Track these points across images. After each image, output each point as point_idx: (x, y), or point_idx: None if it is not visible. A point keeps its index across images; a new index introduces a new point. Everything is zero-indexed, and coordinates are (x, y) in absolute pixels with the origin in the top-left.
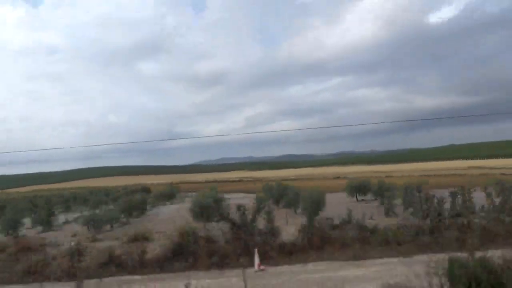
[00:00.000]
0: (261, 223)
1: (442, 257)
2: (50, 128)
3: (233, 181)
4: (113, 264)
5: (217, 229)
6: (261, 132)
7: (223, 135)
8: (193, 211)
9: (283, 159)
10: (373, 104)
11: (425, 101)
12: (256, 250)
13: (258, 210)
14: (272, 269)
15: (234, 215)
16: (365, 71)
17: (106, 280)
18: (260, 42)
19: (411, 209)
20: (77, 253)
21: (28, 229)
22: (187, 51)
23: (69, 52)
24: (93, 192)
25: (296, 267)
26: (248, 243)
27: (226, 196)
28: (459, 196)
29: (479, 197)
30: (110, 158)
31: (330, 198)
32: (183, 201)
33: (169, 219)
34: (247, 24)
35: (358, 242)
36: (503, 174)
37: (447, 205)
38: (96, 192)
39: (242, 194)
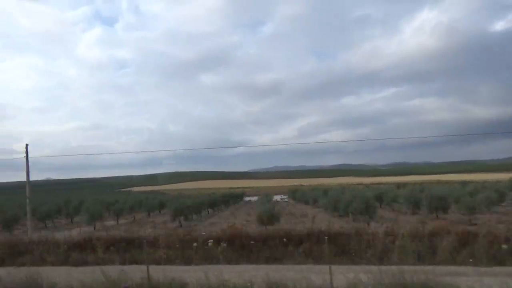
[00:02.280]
0: None
1: None
2: (117, 135)
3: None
4: None
5: None
6: (315, 142)
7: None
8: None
9: (335, 168)
10: (428, 114)
11: (483, 112)
12: None
13: None
14: None
15: None
16: (421, 81)
17: None
18: (316, 53)
19: None
20: None
21: None
22: (245, 64)
23: (136, 66)
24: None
25: None
26: None
27: None
28: None
29: None
30: (169, 165)
31: None
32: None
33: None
34: (304, 37)
35: None
36: None
37: None
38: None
39: None
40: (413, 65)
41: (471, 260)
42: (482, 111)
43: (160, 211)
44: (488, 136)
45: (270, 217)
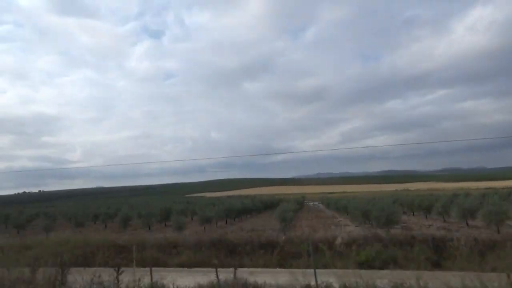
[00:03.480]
0: None
1: None
2: (164, 143)
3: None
4: None
5: None
6: (356, 148)
7: (321, 150)
8: None
9: (381, 175)
10: (481, 116)
11: None
12: None
13: None
14: None
15: None
16: (474, 82)
17: None
18: (361, 57)
19: None
20: None
21: None
22: (288, 70)
23: (182, 76)
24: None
25: None
26: None
27: None
28: None
29: None
30: (213, 172)
31: None
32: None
33: None
34: (349, 41)
35: None
36: None
37: None
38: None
39: None
40: (464, 65)
41: None
42: None
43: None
44: None
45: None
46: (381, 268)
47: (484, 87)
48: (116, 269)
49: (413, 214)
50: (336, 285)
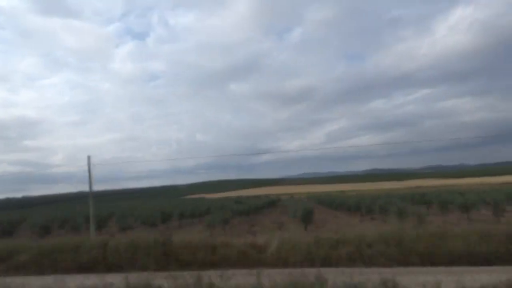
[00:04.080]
0: None
1: None
2: (148, 146)
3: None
4: None
5: None
6: (342, 147)
7: (304, 150)
8: None
9: (366, 174)
10: (464, 115)
11: None
12: None
13: None
14: None
15: None
16: (457, 81)
17: None
18: (346, 57)
19: None
20: None
21: None
22: (275, 71)
23: (168, 78)
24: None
25: None
26: None
27: None
28: None
29: None
30: (199, 173)
31: None
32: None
33: None
34: (334, 41)
35: None
36: None
37: None
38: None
39: None
40: (447, 65)
41: None
42: None
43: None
44: None
45: None
46: None
47: (466, 86)
48: None
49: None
50: None
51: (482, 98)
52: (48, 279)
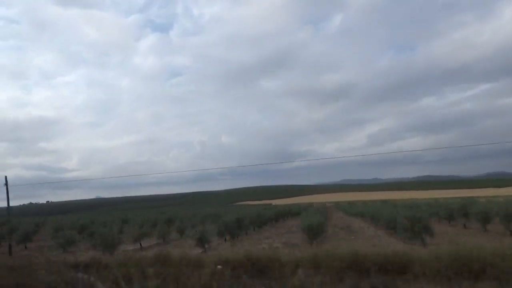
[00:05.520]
0: None
1: None
2: (169, 149)
3: None
4: None
5: None
6: (381, 153)
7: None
8: None
9: (416, 181)
10: None
11: None
12: None
13: None
14: None
15: None
16: None
17: None
18: (392, 48)
19: None
20: None
21: None
22: (310, 65)
23: (192, 74)
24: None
25: None
26: None
27: None
28: None
29: None
30: (223, 180)
31: None
32: None
33: None
34: (380, 29)
35: None
36: None
37: None
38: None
39: None
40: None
41: None
42: None
43: None
44: None
45: None
46: None
47: None
48: None
49: None
50: None
51: None
52: None
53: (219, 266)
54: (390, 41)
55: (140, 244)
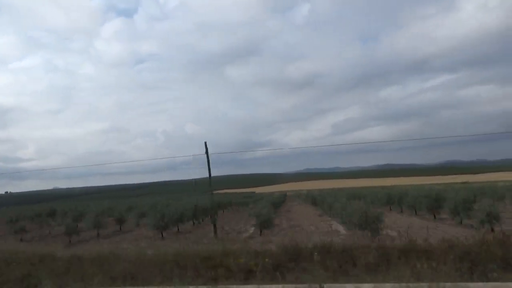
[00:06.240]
0: None
1: None
2: (134, 138)
3: None
4: None
5: None
6: (346, 144)
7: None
8: None
9: (376, 169)
10: (487, 104)
11: None
12: None
13: None
14: None
15: None
16: (482, 66)
17: None
18: (359, 39)
19: None
20: None
21: None
22: (279, 54)
23: (159, 61)
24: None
25: None
26: None
27: None
28: None
29: None
30: (186, 169)
31: None
32: None
33: None
34: (346, 20)
35: None
36: None
37: None
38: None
39: None
40: (473, 47)
41: None
42: None
43: None
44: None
45: None
46: None
47: (491, 72)
48: None
49: None
50: None
51: (508, 85)
52: None
53: None
54: (356, 32)
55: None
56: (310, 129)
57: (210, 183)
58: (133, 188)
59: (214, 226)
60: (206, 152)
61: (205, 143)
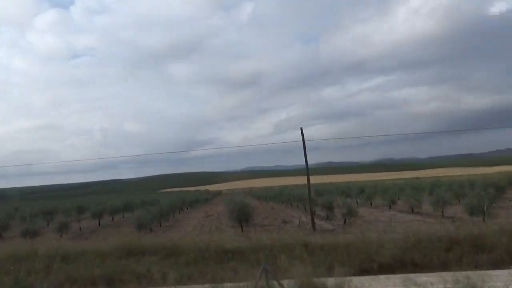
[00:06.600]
0: None
1: None
2: (70, 136)
3: None
4: None
5: None
6: (282, 142)
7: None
8: None
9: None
10: (417, 104)
11: (476, 100)
12: None
13: None
14: None
15: None
16: (413, 69)
17: None
18: (301, 40)
19: None
20: None
21: None
22: (221, 52)
23: (97, 56)
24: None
25: None
26: None
27: None
28: None
29: None
30: (125, 169)
31: None
32: None
33: None
34: (289, 20)
35: None
36: None
37: None
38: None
39: None
40: (405, 51)
41: None
42: (477, 100)
43: None
44: (480, 127)
45: None
46: None
47: (422, 74)
48: None
49: None
50: None
51: (436, 87)
52: None
53: None
54: (299, 33)
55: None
56: (253, 127)
57: (308, 171)
58: (67, 188)
59: (312, 218)
60: (302, 138)
61: (301, 129)
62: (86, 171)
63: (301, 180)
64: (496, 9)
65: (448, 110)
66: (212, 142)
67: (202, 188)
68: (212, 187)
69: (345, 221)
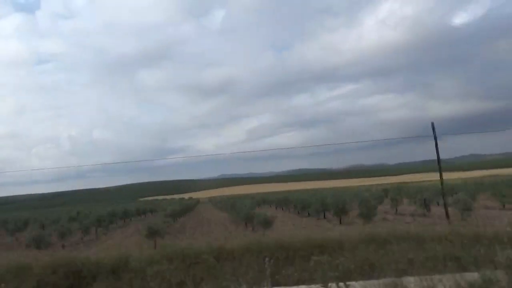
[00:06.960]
0: None
1: None
2: (36, 144)
3: None
4: None
5: None
6: (259, 150)
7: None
8: None
9: (289, 174)
10: (385, 112)
11: (442, 108)
12: None
13: None
14: None
15: None
16: (381, 77)
17: None
18: (272, 47)
19: None
20: None
21: None
22: (193, 59)
23: (64, 62)
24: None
25: None
26: None
27: None
28: None
29: None
30: (95, 178)
31: None
32: None
33: None
34: (260, 28)
35: None
36: None
37: None
38: None
39: None
40: (373, 59)
41: None
42: (443, 107)
43: None
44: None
45: None
46: None
47: (389, 83)
48: None
49: None
50: None
51: (404, 95)
52: None
53: None
54: (270, 41)
55: None
56: (225, 135)
57: (440, 169)
58: (34, 198)
59: (446, 212)
60: (433, 132)
61: (432, 123)
62: (54, 181)
63: (277, 187)
64: (459, 20)
65: (415, 117)
66: (184, 150)
67: (177, 196)
68: (187, 195)
69: None
